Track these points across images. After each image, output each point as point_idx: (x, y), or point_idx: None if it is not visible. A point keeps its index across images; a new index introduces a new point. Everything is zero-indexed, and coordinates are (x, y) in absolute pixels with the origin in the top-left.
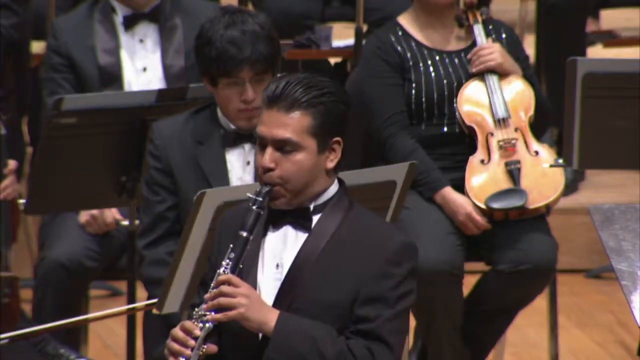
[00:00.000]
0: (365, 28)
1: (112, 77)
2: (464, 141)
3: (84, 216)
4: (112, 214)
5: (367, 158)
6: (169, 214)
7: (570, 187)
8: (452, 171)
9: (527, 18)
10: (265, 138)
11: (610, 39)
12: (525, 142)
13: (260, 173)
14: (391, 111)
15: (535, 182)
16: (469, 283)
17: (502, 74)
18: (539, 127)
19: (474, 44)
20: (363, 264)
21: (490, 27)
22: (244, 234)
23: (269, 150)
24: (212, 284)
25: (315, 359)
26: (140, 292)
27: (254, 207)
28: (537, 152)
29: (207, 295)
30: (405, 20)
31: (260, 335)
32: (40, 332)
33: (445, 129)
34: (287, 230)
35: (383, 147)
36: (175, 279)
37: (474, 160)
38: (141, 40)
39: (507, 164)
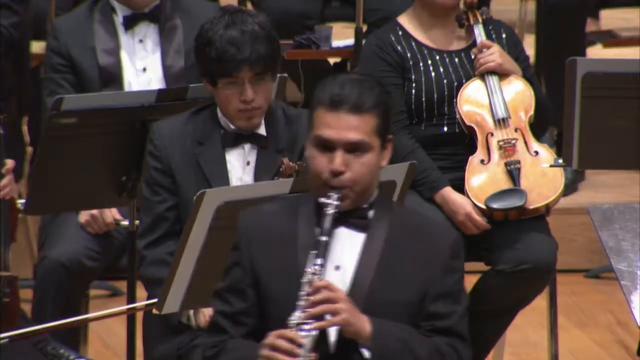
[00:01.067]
0: (365, 28)
1: (112, 77)
2: (463, 141)
3: (84, 216)
4: (112, 214)
5: None
6: (169, 214)
7: (570, 187)
8: (452, 171)
9: (527, 18)
10: (334, 141)
11: (610, 39)
12: (525, 142)
13: (328, 177)
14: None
15: (535, 182)
16: (468, 283)
17: (502, 74)
18: (538, 127)
19: (474, 44)
20: (428, 260)
21: (491, 27)
22: (324, 238)
23: (340, 154)
24: (304, 291)
25: (413, 359)
26: (140, 292)
27: (330, 211)
28: (536, 152)
29: (304, 303)
30: (405, 20)
31: (333, 342)
32: (40, 332)
33: (445, 128)
34: (341, 231)
35: None
36: (175, 279)
37: (474, 160)
38: (141, 41)
39: (507, 164)
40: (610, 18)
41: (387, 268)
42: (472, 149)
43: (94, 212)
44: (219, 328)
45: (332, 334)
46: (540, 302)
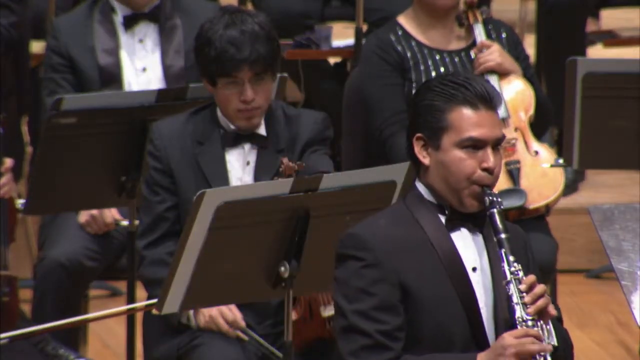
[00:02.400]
0: (365, 28)
1: (112, 77)
2: None
3: (83, 216)
4: (111, 214)
5: (367, 158)
6: (168, 214)
7: (570, 187)
8: None
9: (527, 18)
10: (486, 140)
11: (611, 38)
12: (525, 142)
13: (483, 176)
14: (391, 111)
15: (535, 182)
16: None
17: (502, 73)
18: (539, 126)
19: (474, 43)
20: (522, 256)
21: (491, 26)
22: (504, 235)
23: (491, 151)
24: (518, 288)
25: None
26: (140, 292)
27: (496, 209)
28: (537, 152)
29: (527, 299)
30: (405, 20)
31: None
32: (40, 332)
33: None
34: (462, 233)
35: (383, 147)
36: (175, 279)
37: None
38: (141, 40)
39: (506, 164)
40: (611, 18)
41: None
42: None
43: (94, 212)
44: (381, 347)
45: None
46: None
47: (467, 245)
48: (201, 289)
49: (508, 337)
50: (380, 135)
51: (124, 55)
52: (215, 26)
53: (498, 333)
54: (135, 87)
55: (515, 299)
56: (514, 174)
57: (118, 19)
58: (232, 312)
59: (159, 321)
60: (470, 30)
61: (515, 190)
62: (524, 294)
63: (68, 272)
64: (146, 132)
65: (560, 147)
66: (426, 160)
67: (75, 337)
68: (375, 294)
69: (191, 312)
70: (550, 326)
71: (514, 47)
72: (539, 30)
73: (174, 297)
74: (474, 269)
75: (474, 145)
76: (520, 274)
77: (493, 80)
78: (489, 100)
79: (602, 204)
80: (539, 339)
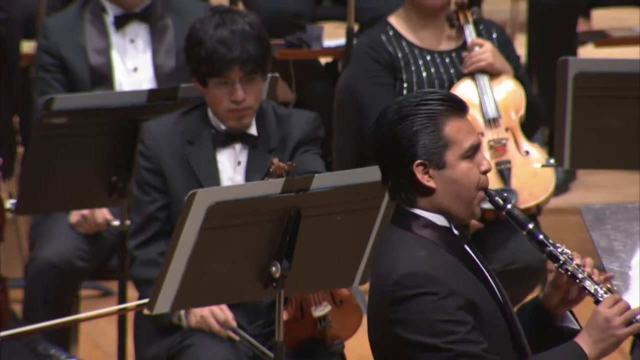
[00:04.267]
0: (356, 28)
1: (103, 77)
2: None
3: (74, 216)
4: (102, 214)
5: (358, 158)
6: (160, 214)
7: (561, 187)
8: None
9: (518, 18)
10: (478, 145)
11: (602, 38)
12: (516, 142)
13: (484, 180)
14: None
15: (526, 182)
16: None
17: (493, 73)
18: (530, 127)
19: (464, 44)
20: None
21: (481, 27)
22: (531, 225)
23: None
24: (576, 264)
25: None
26: (131, 292)
27: (509, 205)
28: (527, 152)
29: (588, 270)
30: (396, 20)
31: None
32: (31, 332)
33: None
34: (466, 246)
35: None
36: (167, 279)
37: None
38: (132, 40)
39: (497, 164)
40: (602, 18)
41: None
42: None
43: (85, 212)
44: None
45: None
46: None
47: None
48: (192, 289)
49: (605, 310)
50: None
51: (115, 55)
52: (205, 26)
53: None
54: (127, 87)
55: (580, 274)
56: (504, 174)
57: (109, 18)
58: (223, 312)
59: (150, 321)
60: (461, 30)
61: (506, 190)
62: (583, 269)
63: (59, 272)
64: (137, 132)
65: (551, 147)
66: (431, 183)
67: (66, 337)
68: (461, 320)
69: (182, 312)
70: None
71: (505, 47)
72: (530, 30)
73: (165, 297)
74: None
75: (474, 152)
76: (568, 251)
77: (484, 80)
78: (466, 106)
79: (593, 204)
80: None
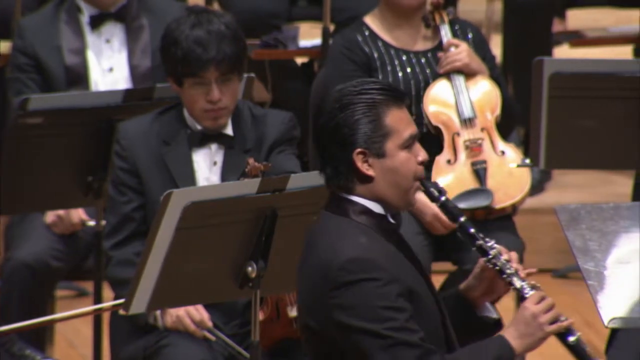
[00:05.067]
0: (332, 28)
1: (79, 77)
2: (431, 141)
3: (50, 216)
4: (78, 214)
5: None
6: (135, 214)
7: (537, 187)
8: None
9: (493, 18)
10: (417, 135)
11: (577, 39)
12: (492, 142)
13: (421, 170)
14: None
15: (502, 182)
16: (436, 283)
17: (468, 74)
18: (505, 127)
19: (440, 44)
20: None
21: (457, 27)
22: (463, 218)
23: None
24: (503, 259)
25: None
26: (107, 292)
27: (443, 197)
28: (503, 152)
29: (515, 266)
30: (371, 20)
31: None
32: (6, 332)
33: None
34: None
35: None
36: (142, 280)
37: (441, 160)
38: (107, 40)
39: (473, 164)
40: (577, 18)
41: None
42: (440, 149)
43: (60, 212)
44: (431, 351)
45: None
46: (508, 302)
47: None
48: (168, 289)
49: (532, 306)
50: None
51: (90, 55)
52: (181, 26)
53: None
54: (102, 87)
55: (508, 270)
56: (480, 174)
57: (84, 18)
58: (199, 312)
59: (126, 322)
60: (436, 30)
61: (482, 190)
62: (509, 264)
63: (34, 273)
64: (113, 132)
65: (527, 147)
66: (370, 172)
67: (41, 337)
68: (402, 307)
69: (158, 312)
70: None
71: (481, 48)
72: (506, 30)
73: (140, 297)
74: None
75: (412, 143)
76: (497, 246)
77: (459, 80)
78: (406, 96)
79: (569, 204)
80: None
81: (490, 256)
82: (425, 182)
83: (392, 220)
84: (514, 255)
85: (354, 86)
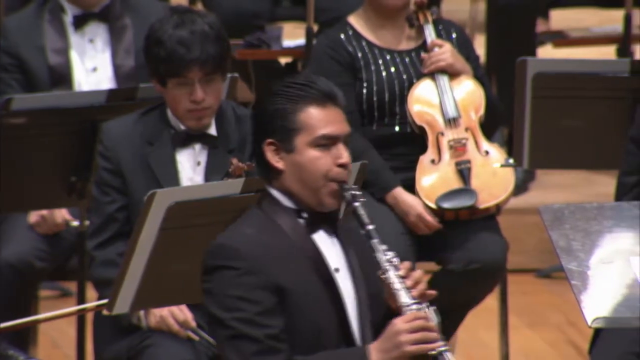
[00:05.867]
0: (316, 28)
1: (62, 77)
2: (415, 141)
3: (33, 216)
4: (61, 214)
5: None
6: (119, 214)
7: (521, 187)
8: (404, 171)
9: (477, 18)
10: (338, 136)
11: (560, 39)
12: (476, 142)
13: (339, 172)
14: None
15: (486, 181)
16: None
17: (452, 74)
18: (489, 127)
19: (424, 43)
20: (372, 257)
21: (441, 27)
22: (371, 226)
23: (344, 147)
24: (397, 274)
25: None
26: (90, 292)
27: (358, 202)
28: (487, 152)
29: (408, 283)
30: (355, 20)
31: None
32: None
33: (397, 128)
34: (322, 234)
35: None
36: (126, 280)
37: (425, 160)
38: (91, 40)
39: (457, 164)
40: (561, 18)
41: (364, 267)
42: (424, 149)
43: (44, 212)
44: (272, 350)
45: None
46: (491, 302)
47: (328, 247)
48: (152, 289)
49: (399, 323)
50: None
51: (74, 55)
52: (164, 26)
53: (364, 332)
54: (85, 87)
55: (397, 285)
56: (464, 174)
57: (68, 18)
58: (182, 312)
59: (110, 322)
60: (420, 30)
61: (466, 190)
62: (404, 280)
63: (18, 273)
64: (96, 132)
65: (511, 147)
66: (280, 165)
67: (25, 338)
68: (256, 300)
69: (142, 312)
70: (432, 308)
71: (464, 47)
72: (489, 30)
73: (124, 297)
74: (337, 270)
75: (327, 142)
76: (396, 260)
77: (443, 80)
78: (335, 97)
79: (552, 204)
80: (429, 320)
81: (384, 268)
82: (345, 185)
83: (304, 215)
84: (416, 274)
85: (294, 79)
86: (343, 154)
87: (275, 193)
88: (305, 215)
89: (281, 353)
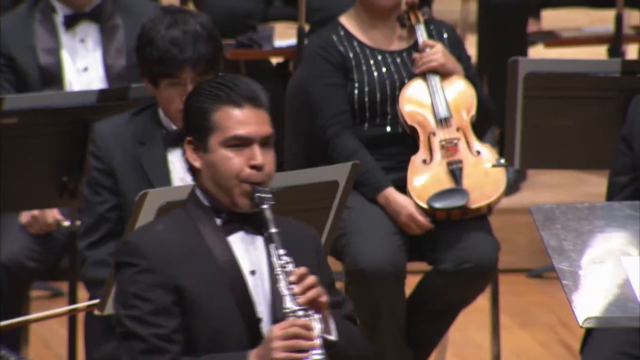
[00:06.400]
0: (307, 28)
1: (53, 77)
2: (407, 141)
3: (24, 216)
4: (53, 214)
5: (310, 158)
6: (110, 214)
7: (512, 187)
8: (396, 171)
9: (468, 18)
10: (252, 137)
11: (552, 39)
12: (467, 142)
13: (251, 173)
14: (334, 111)
15: (477, 181)
16: (411, 283)
17: (444, 74)
18: (480, 127)
19: (415, 44)
20: (310, 257)
21: (432, 27)
22: (274, 230)
23: (258, 148)
24: (288, 280)
25: (358, 340)
26: (82, 292)
27: (266, 205)
28: (479, 152)
29: (296, 290)
30: (347, 20)
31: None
32: None
33: (389, 129)
34: (241, 235)
35: (326, 147)
36: None
37: (416, 160)
38: (82, 40)
39: (449, 164)
40: (552, 18)
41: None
42: (416, 149)
43: (35, 212)
44: (157, 350)
45: (267, 323)
46: (483, 302)
47: (246, 249)
48: None
49: (275, 329)
50: (323, 135)
51: (65, 55)
52: (157, 26)
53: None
54: (77, 87)
55: (285, 291)
56: (456, 174)
57: (59, 18)
58: None
59: (101, 322)
60: (412, 30)
61: (457, 190)
62: (293, 286)
63: (9, 273)
64: (88, 132)
65: (502, 147)
66: (197, 164)
67: (16, 338)
68: (149, 299)
69: None
70: (332, 320)
71: (456, 48)
72: (481, 30)
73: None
74: (253, 272)
75: (240, 143)
76: (290, 266)
77: (435, 80)
78: (254, 99)
79: (544, 204)
80: (307, 328)
81: (275, 272)
82: (256, 187)
83: (222, 216)
84: (308, 280)
85: (217, 78)
86: (257, 155)
87: (198, 192)
88: (223, 215)
89: (168, 354)
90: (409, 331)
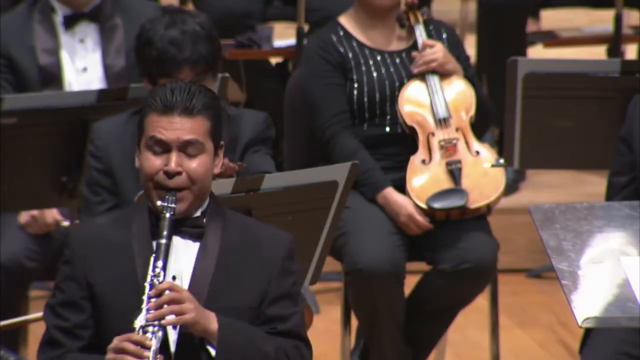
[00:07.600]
0: (306, 28)
1: (52, 77)
2: (406, 141)
3: (24, 216)
4: (52, 214)
5: (309, 158)
6: None
7: (511, 187)
8: (395, 171)
9: (468, 18)
10: (169, 142)
11: (551, 39)
12: (466, 142)
13: (163, 178)
14: (334, 111)
15: (476, 181)
16: (410, 283)
17: (443, 74)
18: (480, 127)
19: (415, 44)
20: (264, 264)
21: (431, 27)
22: (164, 241)
23: (175, 154)
24: (148, 293)
25: (259, 356)
26: None
27: (168, 214)
28: (478, 152)
29: (150, 305)
30: (346, 20)
31: (175, 342)
32: None
33: (388, 129)
34: (176, 241)
35: (326, 147)
36: None
37: (415, 160)
38: (81, 40)
39: (448, 164)
40: (551, 18)
41: (224, 275)
42: (415, 149)
43: (34, 212)
44: (55, 342)
45: (173, 334)
46: (482, 302)
47: (177, 253)
48: None
49: (115, 341)
50: (322, 135)
51: (64, 55)
52: (156, 26)
53: (182, 339)
54: (76, 87)
55: (143, 304)
56: (455, 174)
57: (58, 18)
58: None
59: None
60: (411, 31)
61: (457, 190)
62: (150, 300)
63: (8, 273)
64: (87, 132)
65: (501, 147)
66: (137, 164)
67: (15, 338)
68: (63, 290)
69: None
70: (160, 333)
71: (455, 48)
72: (480, 30)
73: None
74: (174, 278)
75: (158, 146)
76: (159, 279)
77: (434, 80)
78: (172, 108)
79: (543, 204)
80: (141, 345)
81: (144, 285)
82: (168, 193)
83: (151, 219)
84: (166, 297)
85: (168, 84)
86: (169, 161)
87: None
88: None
89: (61, 347)
90: (408, 331)
